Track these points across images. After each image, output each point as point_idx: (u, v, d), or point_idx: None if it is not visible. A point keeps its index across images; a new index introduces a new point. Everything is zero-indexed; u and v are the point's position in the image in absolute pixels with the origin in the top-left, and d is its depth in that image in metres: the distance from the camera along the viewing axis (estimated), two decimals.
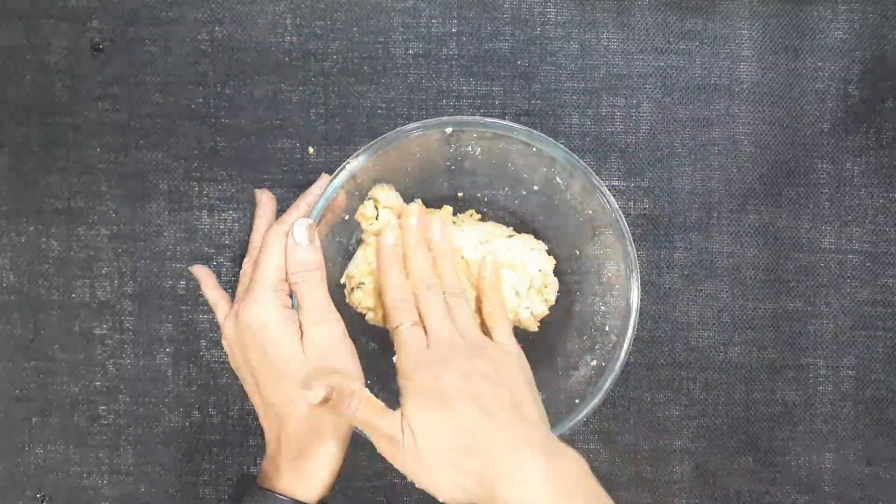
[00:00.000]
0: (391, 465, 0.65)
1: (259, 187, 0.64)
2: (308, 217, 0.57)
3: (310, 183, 0.61)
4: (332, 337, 0.55)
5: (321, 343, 0.54)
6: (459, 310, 0.56)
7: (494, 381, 0.52)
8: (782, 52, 0.64)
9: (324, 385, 0.50)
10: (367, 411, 0.51)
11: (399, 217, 0.59)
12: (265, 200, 0.62)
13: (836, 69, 0.64)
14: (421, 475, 0.50)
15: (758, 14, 0.64)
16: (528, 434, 0.50)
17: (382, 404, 0.52)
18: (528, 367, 0.55)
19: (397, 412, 0.51)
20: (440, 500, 0.50)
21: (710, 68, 0.64)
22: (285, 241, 0.57)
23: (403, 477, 0.66)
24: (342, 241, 0.61)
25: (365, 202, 0.61)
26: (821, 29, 0.64)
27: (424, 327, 0.55)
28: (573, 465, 0.49)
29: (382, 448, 0.52)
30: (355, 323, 0.61)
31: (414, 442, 0.50)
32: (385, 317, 0.57)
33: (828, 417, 0.65)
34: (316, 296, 0.56)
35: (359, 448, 0.64)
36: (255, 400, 0.56)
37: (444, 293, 0.56)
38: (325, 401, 0.50)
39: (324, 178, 0.60)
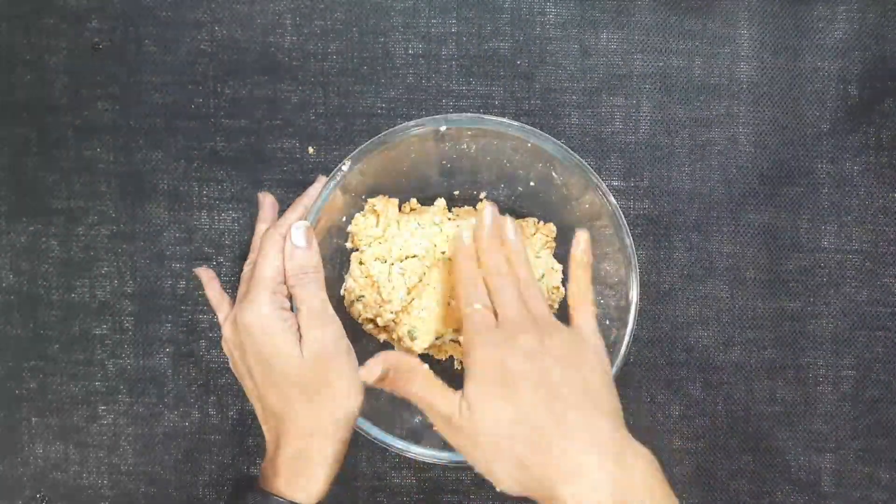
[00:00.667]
0: (391, 465, 0.65)
1: (259, 187, 0.64)
2: (305, 219, 0.57)
3: (309, 183, 0.61)
4: (331, 339, 0.55)
5: (320, 345, 0.54)
6: (532, 296, 0.52)
7: (566, 362, 0.48)
8: (782, 52, 0.64)
9: (380, 363, 0.49)
10: (426, 388, 0.50)
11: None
12: (267, 203, 0.61)
13: (836, 69, 0.64)
14: (478, 461, 0.48)
15: (758, 14, 0.64)
16: (598, 428, 0.47)
17: (443, 383, 0.50)
18: (607, 358, 0.52)
19: (458, 392, 0.49)
20: (497, 488, 0.48)
21: (710, 68, 0.64)
22: (283, 243, 0.56)
23: (403, 477, 0.66)
24: (340, 243, 0.61)
25: (364, 213, 0.61)
26: (821, 29, 0.64)
27: (496, 313, 0.52)
28: (645, 468, 0.46)
29: (439, 427, 0.50)
30: (356, 326, 0.61)
31: (473, 426, 0.47)
32: (457, 301, 0.55)
33: (828, 417, 0.65)
34: (314, 298, 0.56)
35: (359, 448, 0.64)
36: (255, 402, 0.56)
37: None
38: (382, 379, 0.49)
39: (321, 180, 0.60)
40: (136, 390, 0.65)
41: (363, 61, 0.64)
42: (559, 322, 0.52)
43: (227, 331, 0.56)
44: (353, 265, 0.60)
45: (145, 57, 0.64)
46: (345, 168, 0.57)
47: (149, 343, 0.65)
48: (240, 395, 0.65)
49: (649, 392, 0.65)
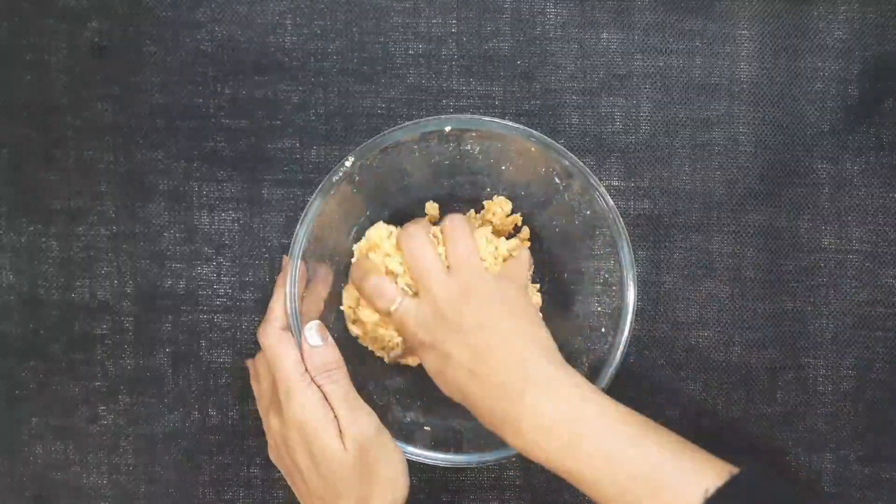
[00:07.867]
0: None
1: (259, 187, 0.64)
2: (298, 237, 0.57)
3: (310, 182, 0.61)
4: (373, 429, 0.55)
5: (362, 439, 0.54)
6: None
7: None
8: (782, 52, 0.64)
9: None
10: None
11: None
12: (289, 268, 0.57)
13: (836, 69, 0.64)
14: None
15: (758, 14, 0.64)
16: None
17: None
18: None
19: None
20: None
21: (710, 68, 0.64)
22: (286, 338, 0.55)
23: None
24: (340, 241, 0.61)
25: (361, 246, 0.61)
26: (821, 29, 0.64)
27: None
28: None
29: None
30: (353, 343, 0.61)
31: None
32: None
33: (828, 417, 0.65)
34: (346, 393, 0.55)
35: None
36: (304, 498, 0.56)
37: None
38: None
39: (287, 261, 0.58)
40: (136, 390, 0.65)
41: (363, 61, 0.64)
42: None
43: (273, 424, 0.56)
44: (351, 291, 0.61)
45: (145, 57, 0.64)
46: (345, 167, 0.57)
47: (149, 343, 0.65)
48: (240, 395, 0.65)
49: (649, 392, 0.65)
